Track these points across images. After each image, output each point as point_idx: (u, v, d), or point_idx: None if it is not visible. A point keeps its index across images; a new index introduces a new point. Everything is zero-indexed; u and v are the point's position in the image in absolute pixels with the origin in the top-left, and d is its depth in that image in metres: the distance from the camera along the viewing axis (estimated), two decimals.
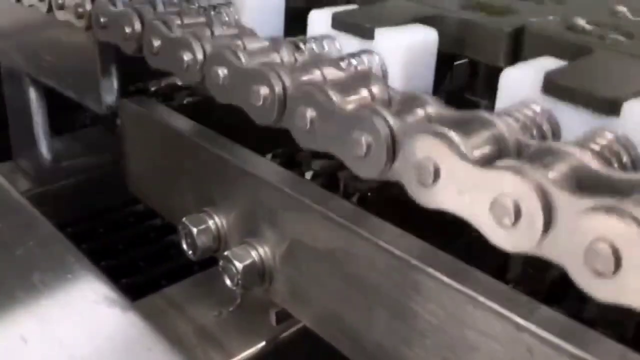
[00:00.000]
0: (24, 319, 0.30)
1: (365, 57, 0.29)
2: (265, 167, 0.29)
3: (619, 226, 0.16)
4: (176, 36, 0.30)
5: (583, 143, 0.20)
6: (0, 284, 0.30)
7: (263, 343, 0.31)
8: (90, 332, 0.29)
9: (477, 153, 0.19)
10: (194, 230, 0.30)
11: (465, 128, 0.20)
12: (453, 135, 0.19)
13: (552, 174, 0.18)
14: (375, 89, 0.25)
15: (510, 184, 0.18)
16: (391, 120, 0.21)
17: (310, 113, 0.24)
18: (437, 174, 0.19)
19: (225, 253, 0.28)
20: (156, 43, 0.32)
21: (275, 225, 0.27)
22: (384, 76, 0.29)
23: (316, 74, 0.26)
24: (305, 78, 0.26)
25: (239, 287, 0.28)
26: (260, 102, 0.26)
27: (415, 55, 0.29)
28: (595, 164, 0.18)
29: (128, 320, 0.29)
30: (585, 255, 0.16)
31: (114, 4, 0.35)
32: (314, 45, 0.30)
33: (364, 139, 0.22)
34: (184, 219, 0.31)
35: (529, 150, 0.19)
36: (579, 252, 0.17)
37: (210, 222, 0.30)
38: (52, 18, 0.39)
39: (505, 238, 0.18)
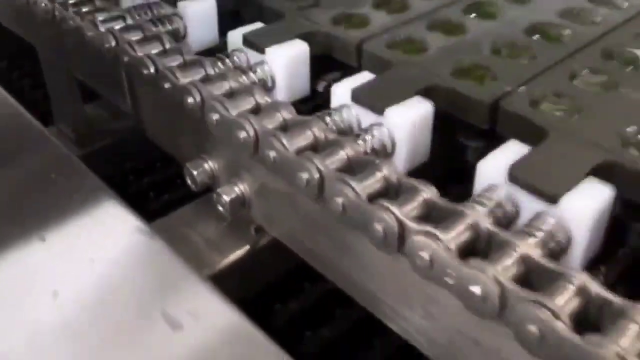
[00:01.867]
0: (46, 223, 0.41)
1: (376, 131, 0.38)
2: None
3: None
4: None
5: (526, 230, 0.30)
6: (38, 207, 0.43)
7: (247, 247, 0.45)
8: (112, 241, 0.41)
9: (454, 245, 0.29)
10: (194, 172, 0.44)
11: (447, 222, 0.30)
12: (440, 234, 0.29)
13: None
14: (386, 171, 0.34)
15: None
16: (400, 216, 0.31)
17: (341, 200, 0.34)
18: (431, 262, 0.29)
19: (217, 190, 0.43)
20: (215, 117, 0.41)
21: (250, 172, 0.41)
22: (392, 145, 0.38)
23: (343, 158, 0.35)
24: (334, 166, 0.35)
25: (228, 212, 0.42)
26: (304, 185, 0.35)
27: (416, 127, 0.38)
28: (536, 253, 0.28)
29: (145, 235, 0.41)
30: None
31: None
32: (336, 118, 0.40)
33: (380, 227, 0.31)
34: (187, 164, 0.44)
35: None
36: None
37: (206, 166, 0.44)
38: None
39: None
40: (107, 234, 0.43)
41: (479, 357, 0.30)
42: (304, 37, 0.45)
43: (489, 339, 0.30)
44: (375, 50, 0.43)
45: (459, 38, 0.44)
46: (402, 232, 0.30)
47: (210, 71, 0.44)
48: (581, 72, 0.40)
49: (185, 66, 0.44)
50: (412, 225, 0.30)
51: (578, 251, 0.31)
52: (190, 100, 0.41)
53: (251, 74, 0.44)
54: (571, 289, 0.27)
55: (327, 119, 0.39)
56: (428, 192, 0.32)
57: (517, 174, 0.32)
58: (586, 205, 0.30)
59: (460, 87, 0.39)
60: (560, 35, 0.44)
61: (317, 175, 0.34)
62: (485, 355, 0.30)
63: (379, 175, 0.34)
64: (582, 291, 0.27)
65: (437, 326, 0.32)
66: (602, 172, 0.32)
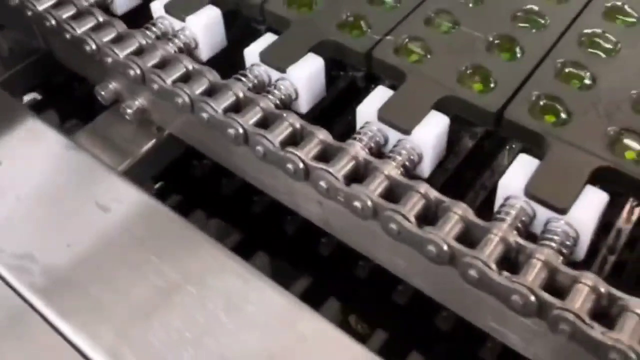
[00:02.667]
0: None
1: (282, 85, 0.49)
2: None
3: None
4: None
5: (390, 155, 0.43)
6: None
7: (154, 140, 0.59)
8: (41, 155, 0.54)
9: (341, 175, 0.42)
10: (102, 92, 0.57)
11: (336, 159, 0.43)
12: (331, 169, 0.42)
13: None
14: (291, 120, 0.46)
15: None
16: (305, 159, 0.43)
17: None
18: (327, 189, 0.43)
19: (122, 105, 0.56)
20: None
21: (145, 94, 0.55)
22: (296, 94, 0.49)
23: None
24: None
25: (133, 119, 0.56)
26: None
27: (312, 78, 0.49)
28: None
29: (70, 147, 0.55)
30: None
31: None
32: (250, 75, 0.50)
33: (291, 167, 0.44)
34: (96, 86, 0.57)
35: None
36: None
37: (111, 87, 0.57)
38: None
39: None
40: (37, 151, 0.55)
41: (360, 230, 0.45)
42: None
43: (367, 227, 0.44)
44: (275, 9, 0.52)
45: None
46: (306, 168, 0.43)
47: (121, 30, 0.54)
48: (433, 16, 0.51)
49: (80, 16, 0.54)
50: (312, 163, 0.43)
51: (427, 165, 0.45)
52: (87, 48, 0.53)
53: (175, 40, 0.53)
54: (417, 196, 0.41)
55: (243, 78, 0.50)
56: (322, 134, 0.45)
57: (384, 115, 0.44)
58: (430, 131, 0.44)
59: (342, 39, 0.50)
60: None
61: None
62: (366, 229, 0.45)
63: (286, 124, 0.46)
64: (425, 196, 0.41)
65: (331, 213, 0.47)
66: (443, 105, 0.45)
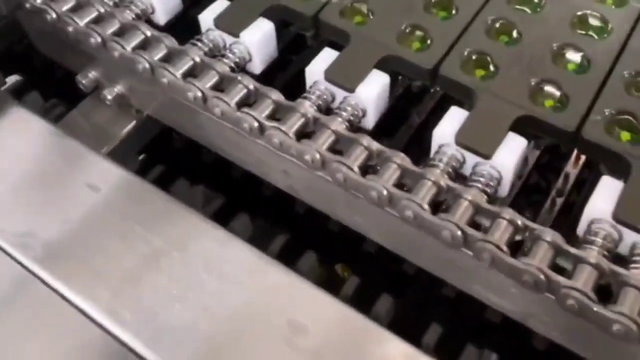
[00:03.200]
0: None
1: (236, 49, 0.52)
2: None
3: None
4: None
5: (336, 111, 0.48)
6: None
7: (134, 122, 0.63)
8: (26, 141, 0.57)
9: (292, 132, 0.47)
10: (83, 80, 0.60)
11: (286, 118, 0.47)
12: (281, 126, 0.46)
13: None
14: (246, 82, 0.50)
15: None
16: (259, 118, 0.48)
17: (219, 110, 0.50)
18: (280, 144, 0.47)
19: (103, 92, 0.60)
20: None
21: (124, 79, 0.59)
22: (250, 56, 0.53)
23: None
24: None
25: (113, 104, 0.60)
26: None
27: (264, 41, 0.52)
28: None
29: (57, 134, 0.58)
30: None
31: None
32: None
33: (246, 125, 0.48)
34: (77, 76, 0.60)
35: None
36: None
37: (90, 75, 0.60)
38: None
39: None
40: (25, 140, 0.58)
41: (319, 191, 0.50)
42: None
43: (321, 183, 0.49)
44: None
45: None
46: (261, 127, 0.48)
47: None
48: None
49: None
50: (265, 122, 0.47)
51: (370, 119, 0.50)
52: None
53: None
54: (360, 148, 0.46)
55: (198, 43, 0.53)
56: (275, 95, 0.49)
57: (330, 76, 0.48)
58: (372, 89, 0.48)
59: (290, 3, 0.53)
60: None
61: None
62: (323, 190, 0.50)
63: (241, 87, 0.50)
64: (367, 147, 0.46)
65: (294, 179, 0.52)
66: (384, 64, 0.49)
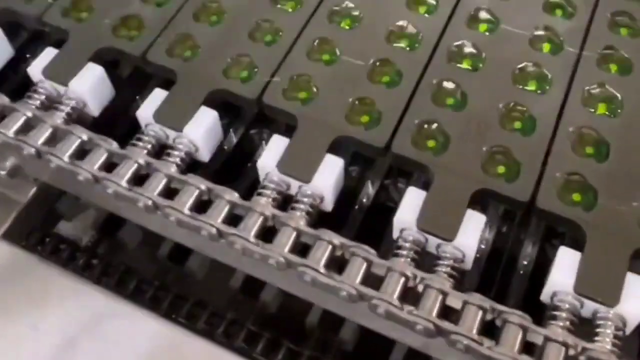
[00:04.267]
0: None
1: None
2: None
3: None
4: None
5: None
6: None
7: (34, 189, 0.64)
8: None
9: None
10: None
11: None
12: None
13: None
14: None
15: None
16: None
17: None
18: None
19: None
20: None
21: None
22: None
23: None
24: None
25: (10, 175, 0.55)
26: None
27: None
28: None
29: None
30: None
31: None
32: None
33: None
34: None
35: None
36: None
37: None
38: None
39: None
40: None
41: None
42: None
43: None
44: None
45: None
46: (220, 233, 0.46)
47: None
48: (315, 47, 0.53)
49: None
50: (223, 229, 0.46)
51: (328, 203, 0.49)
52: None
53: None
54: (324, 246, 0.45)
55: None
56: (228, 195, 0.47)
57: (283, 170, 0.47)
58: (329, 177, 0.47)
59: (232, 87, 0.51)
60: None
61: None
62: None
63: (193, 188, 0.48)
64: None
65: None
66: (337, 146, 0.48)
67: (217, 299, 0.63)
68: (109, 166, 0.48)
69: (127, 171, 0.47)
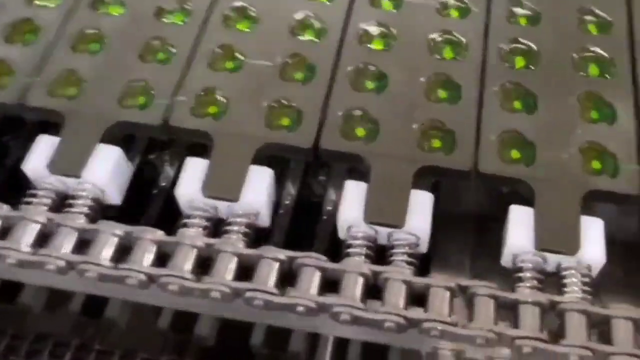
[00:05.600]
0: None
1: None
2: None
3: None
4: None
5: None
6: None
7: None
8: None
9: None
10: None
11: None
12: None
13: None
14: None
15: None
16: None
17: None
18: None
19: None
20: None
21: None
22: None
23: None
24: None
25: None
26: None
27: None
28: None
29: None
30: None
31: None
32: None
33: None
34: None
35: None
36: None
37: None
38: None
39: None
40: None
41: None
42: None
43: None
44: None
45: None
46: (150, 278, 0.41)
47: None
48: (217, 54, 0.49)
49: None
50: (154, 273, 0.40)
51: (265, 216, 0.45)
52: None
53: None
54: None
55: None
56: (150, 235, 0.42)
57: (209, 194, 0.42)
58: (260, 191, 0.43)
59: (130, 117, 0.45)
60: None
61: None
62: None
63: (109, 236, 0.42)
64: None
65: None
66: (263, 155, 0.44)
67: (59, 327, 0.57)
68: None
69: (29, 234, 0.41)
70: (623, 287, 0.47)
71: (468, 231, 0.51)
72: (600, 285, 0.43)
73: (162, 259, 0.41)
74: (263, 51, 0.49)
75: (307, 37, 0.50)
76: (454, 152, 0.44)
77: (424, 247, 0.43)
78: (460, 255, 0.50)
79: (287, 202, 0.48)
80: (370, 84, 0.48)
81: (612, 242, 0.46)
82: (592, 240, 0.41)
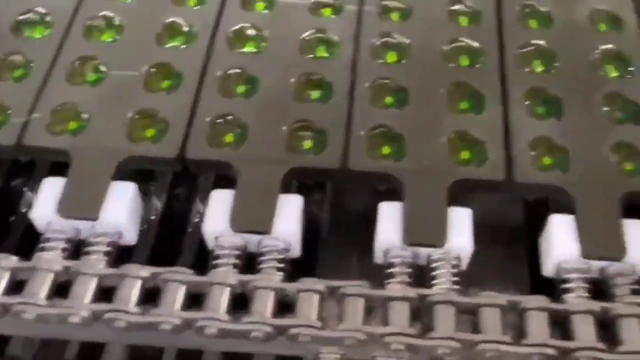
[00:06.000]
0: None
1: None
2: None
3: None
4: None
5: None
6: None
7: None
8: None
9: None
10: None
11: None
12: None
13: None
14: None
15: None
16: None
17: None
18: None
19: None
20: None
21: None
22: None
23: None
24: None
25: None
26: None
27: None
28: None
29: None
30: None
31: None
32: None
33: None
34: None
35: None
36: None
37: None
38: None
39: None
40: None
41: None
42: None
43: None
44: None
45: None
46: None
47: None
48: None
49: None
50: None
51: (131, 235, 0.43)
52: None
53: None
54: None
55: None
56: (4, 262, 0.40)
57: (64, 213, 0.40)
58: (120, 206, 0.41)
59: None
60: None
61: None
62: None
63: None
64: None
65: None
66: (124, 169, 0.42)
67: None
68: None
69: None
70: (504, 274, 0.48)
71: (354, 232, 0.50)
72: (479, 273, 0.43)
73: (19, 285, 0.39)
74: (128, 61, 0.47)
75: (174, 44, 0.49)
76: (324, 152, 0.43)
77: (295, 252, 0.42)
78: (349, 257, 0.50)
79: (152, 217, 0.47)
80: (240, 88, 0.47)
81: (496, 230, 0.47)
82: (460, 230, 0.40)
